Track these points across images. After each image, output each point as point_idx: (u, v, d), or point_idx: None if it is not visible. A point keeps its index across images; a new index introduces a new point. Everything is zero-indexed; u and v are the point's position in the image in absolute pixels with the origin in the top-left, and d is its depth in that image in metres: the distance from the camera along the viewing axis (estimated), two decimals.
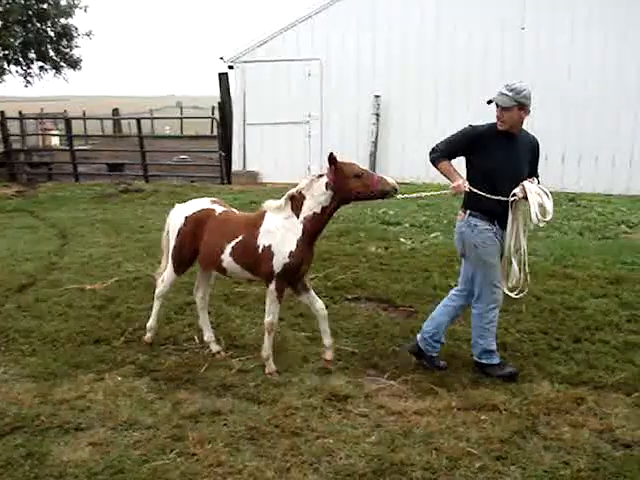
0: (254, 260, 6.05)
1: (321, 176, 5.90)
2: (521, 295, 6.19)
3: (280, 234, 5.95)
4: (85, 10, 29.65)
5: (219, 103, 19.70)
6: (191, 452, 4.87)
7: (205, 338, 6.74)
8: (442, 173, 6.07)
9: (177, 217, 6.57)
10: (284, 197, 5.98)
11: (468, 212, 6.09)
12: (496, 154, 5.88)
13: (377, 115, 17.25)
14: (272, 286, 6.04)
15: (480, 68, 16.68)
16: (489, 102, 5.93)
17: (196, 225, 6.37)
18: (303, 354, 6.54)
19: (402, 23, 17.25)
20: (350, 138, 17.53)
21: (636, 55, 15.88)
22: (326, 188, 5.83)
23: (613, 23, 15.97)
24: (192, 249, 6.44)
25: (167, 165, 23.38)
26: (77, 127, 33.23)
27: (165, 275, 6.78)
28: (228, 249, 6.15)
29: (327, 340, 6.23)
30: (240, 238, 6.11)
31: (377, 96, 17.23)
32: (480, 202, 5.94)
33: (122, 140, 31.64)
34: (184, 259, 6.58)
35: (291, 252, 5.92)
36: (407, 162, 16.68)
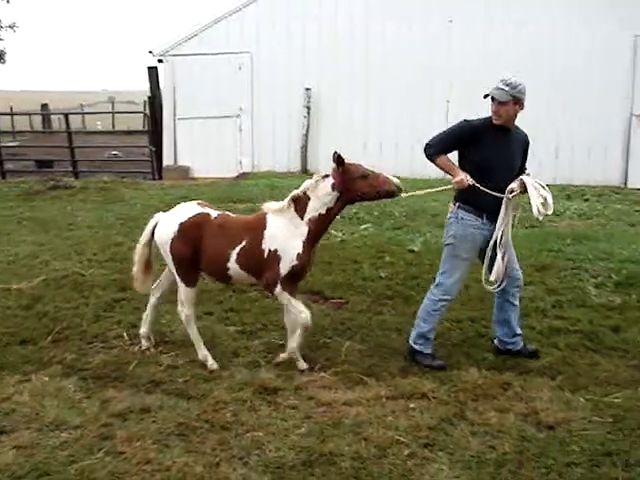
0: (260, 265, 5.89)
1: (327, 176, 5.84)
2: (499, 288, 6.28)
3: (285, 237, 5.83)
4: (7, 1, 28.95)
5: (149, 97, 19.48)
6: (119, 451, 4.80)
7: (140, 331, 6.57)
8: (441, 168, 6.16)
9: (167, 227, 6.12)
10: (287, 199, 5.88)
11: (458, 204, 6.18)
12: (492, 148, 5.99)
13: (308, 108, 17.27)
14: (277, 290, 5.90)
15: (408, 60, 16.82)
16: (485, 96, 6.02)
17: (193, 232, 5.99)
18: (233, 348, 6.52)
19: (332, 16, 17.30)
20: (281, 131, 17.53)
21: (546, 43, 16.21)
22: (332, 189, 5.78)
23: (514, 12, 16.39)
24: (191, 258, 6.03)
25: (98, 161, 22.99)
26: (4, 123, 32.47)
27: (181, 295, 6.20)
28: (233, 256, 5.91)
29: (292, 344, 6.14)
30: (244, 243, 5.90)
31: (308, 89, 17.25)
32: (471, 196, 6.02)
33: (52, 136, 31.02)
34: (189, 269, 6.11)
35: (298, 255, 5.83)
36: None
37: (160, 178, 18.74)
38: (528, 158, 6.36)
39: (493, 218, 6.09)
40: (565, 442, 5.00)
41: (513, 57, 16.18)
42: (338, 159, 5.69)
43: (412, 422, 5.19)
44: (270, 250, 5.82)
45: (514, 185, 5.98)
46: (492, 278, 6.21)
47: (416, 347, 6.30)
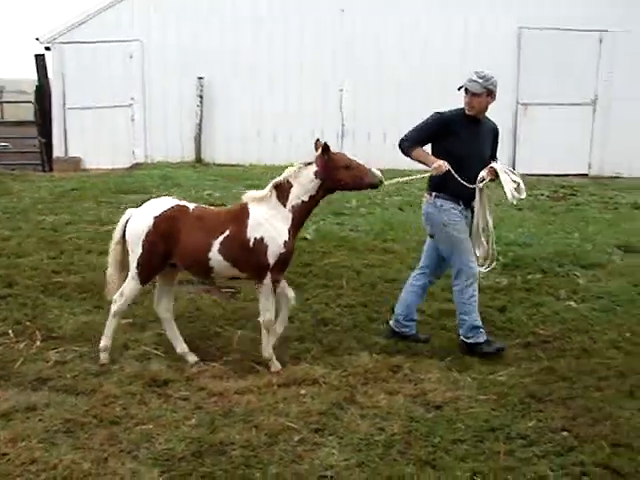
0: (245, 255, 5.76)
1: (310, 164, 5.80)
2: (490, 268, 6.60)
3: (271, 225, 5.75)
4: None
5: (37, 87, 18.87)
6: (2, 452, 4.64)
7: (178, 350, 6.13)
8: (417, 160, 6.25)
9: (140, 221, 5.86)
10: (268, 186, 5.82)
11: (434, 194, 6.29)
12: (465, 138, 6.19)
13: (201, 97, 17.07)
14: (267, 280, 5.80)
15: (298, 50, 16.83)
16: (459, 88, 6.22)
17: (169, 225, 5.77)
18: (123, 341, 6.39)
19: (221, 4, 17.13)
20: (174, 121, 17.26)
21: (433, 33, 16.56)
22: (315, 176, 5.76)
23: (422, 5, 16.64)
24: (165, 254, 5.83)
25: None
26: None
27: (125, 289, 5.95)
28: (215, 246, 5.75)
29: (281, 328, 6.12)
30: (227, 233, 5.76)
31: (200, 78, 17.05)
32: (446, 184, 6.16)
33: None
34: (155, 266, 5.90)
35: (285, 242, 5.77)
36: (233, 144, 16.63)
37: (51, 170, 18.20)
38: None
39: (469, 204, 6.31)
40: (452, 420, 5.15)
41: (404, 45, 16.44)
42: (324, 147, 5.70)
43: (303, 408, 5.23)
44: (256, 239, 5.74)
45: (483, 173, 6.17)
46: (481, 259, 6.48)
47: (470, 341, 6.34)
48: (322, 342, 6.40)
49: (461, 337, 6.43)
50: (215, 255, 5.75)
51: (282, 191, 5.82)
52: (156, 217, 5.80)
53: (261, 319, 5.89)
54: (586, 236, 10.45)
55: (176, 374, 5.76)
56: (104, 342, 6.03)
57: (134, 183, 13.54)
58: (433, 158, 6.17)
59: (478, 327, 6.36)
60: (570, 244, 9.78)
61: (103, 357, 6.01)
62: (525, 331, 6.92)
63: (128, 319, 6.85)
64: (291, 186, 5.80)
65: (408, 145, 6.23)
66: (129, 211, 6.09)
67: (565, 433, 5.06)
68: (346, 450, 4.74)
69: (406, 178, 6.83)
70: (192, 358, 6.07)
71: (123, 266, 6.06)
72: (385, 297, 7.59)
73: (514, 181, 6.21)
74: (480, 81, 6.11)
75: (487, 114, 6.40)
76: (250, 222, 5.76)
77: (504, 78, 16.33)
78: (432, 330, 6.79)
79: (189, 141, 16.90)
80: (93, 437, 4.83)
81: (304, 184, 5.79)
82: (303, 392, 5.49)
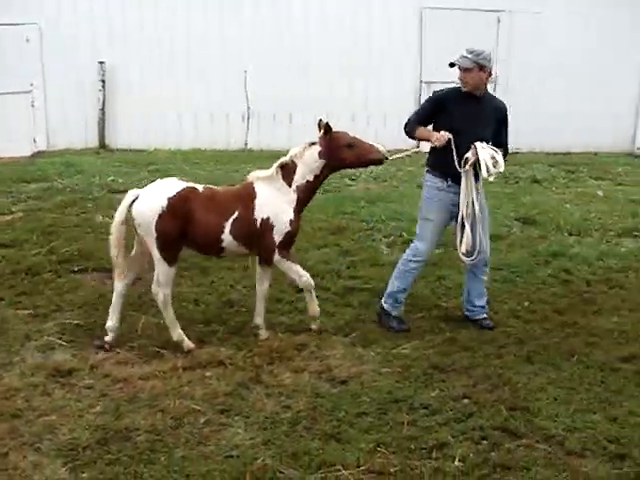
0: (254, 235, 5.88)
1: (313, 144, 5.90)
2: (477, 258, 6.43)
3: (277, 204, 5.87)
4: None
5: None
6: None
7: (108, 324, 6.01)
8: (421, 139, 6.47)
9: (152, 202, 5.71)
10: (274, 166, 5.93)
11: (427, 169, 6.44)
12: (458, 114, 6.19)
13: (103, 82, 16.68)
14: (277, 257, 5.96)
15: (201, 33, 16.54)
16: (451, 65, 6.22)
17: (184, 206, 5.71)
18: (25, 332, 6.23)
19: None
20: (76, 107, 16.76)
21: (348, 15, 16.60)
22: (319, 156, 5.87)
23: None
24: (178, 234, 5.75)
25: None
26: None
27: (160, 277, 5.84)
28: (227, 227, 5.81)
29: (260, 319, 6.25)
30: (236, 214, 5.83)
31: (102, 62, 16.65)
32: (435, 160, 6.29)
33: None
34: (176, 246, 5.84)
35: (290, 221, 5.91)
36: (136, 129, 16.31)
37: None
38: None
39: (458, 181, 6.26)
40: (357, 394, 5.25)
41: (309, 28, 16.38)
42: (326, 127, 5.79)
43: (208, 390, 5.24)
44: (263, 219, 5.85)
45: (468, 154, 6.11)
46: (462, 249, 6.39)
47: (385, 306, 6.54)
48: (228, 324, 6.40)
49: (381, 300, 6.63)
50: (227, 236, 5.85)
51: (287, 171, 5.94)
52: (170, 198, 5.71)
53: (299, 284, 6.20)
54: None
55: (80, 363, 5.67)
56: (175, 333, 5.96)
57: (36, 171, 13.15)
58: (432, 132, 6.25)
59: (398, 301, 6.57)
60: None
61: (187, 345, 5.94)
62: (428, 304, 7.09)
63: (29, 310, 6.70)
64: (296, 166, 5.92)
65: (409, 129, 6.37)
66: (133, 192, 5.93)
67: (466, 400, 5.23)
68: (252, 429, 4.77)
69: (411, 151, 7.06)
70: (110, 337, 5.98)
71: (127, 247, 5.97)
72: None
73: (492, 157, 6.16)
74: (470, 56, 6.12)
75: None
76: (257, 202, 5.87)
77: (408, 58, 16.80)
78: (337, 307, 6.88)
79: (92, 127, 16.51)
80: None
81: (308, 164, 5.90)
82: (209, 374, 5.50)
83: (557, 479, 4.35)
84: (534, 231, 9.81)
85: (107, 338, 5.96)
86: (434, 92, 6.57)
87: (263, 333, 6.21)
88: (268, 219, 5.86)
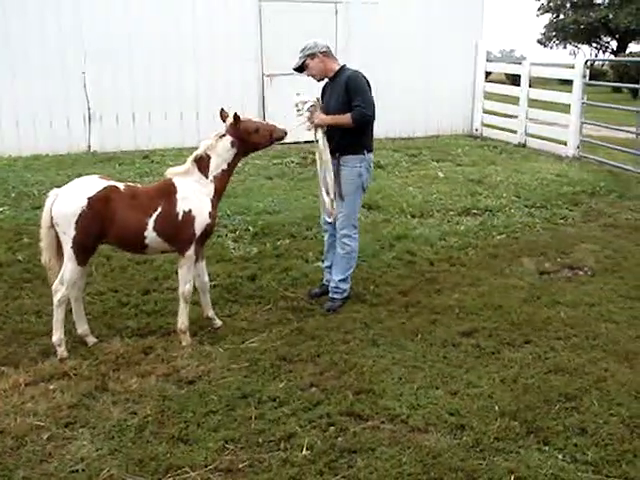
0: (176, 229, 5.88)
1: (224, 135, 6.03)
2: (332, 220, 6.96)
3: (196, 197, 5.94)
4: None
5: None
6: None
7: (79, 331, 6.07)
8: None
9: (72, 202, 5.61)
10: (189, 160, 6.00)
11: None
12: (325, 99, 6.88)
13: None
14: (189, 252, 5.99)
15: (37, 34, 15.85)
16: (296, 70, 6.89)
17: (104, 205, 5.63)
18: None
19: None
20: None
21: (188, 11, 16.36)
22: (232, 146, 6.03)
23: None
24: (100, 234, 5.71)
25: None
26: None
27: (65, 274, 5.74)
28: (150, 224, 5.79)
29: (211, 311, 6.44)
30: (159, 210, 5.83)
31: None
32: None
33: None
34: (92, 246, 5.82)
35: (210, 213, 6.00)
36: None
37: None
38: None
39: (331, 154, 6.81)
40: (205, 393, 5.24)
41: (152, 26, 15.99)
42: (235, 117, 5.96)
43: (52, 404, 5.08)
44: (185, 211, 5.88)
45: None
46: (323, 214, 7.15)
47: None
48: (72, 333, 6.22)
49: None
50: (150, 233, 5.84)
51: (202, 163, 6.02)
52: (90, 198, 5.64)
53: (180, 290, 6.10)
54: None
55: None
56: (56, 336, 5.83)
57: None
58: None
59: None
60: (317, 207, 10.12)
61: (61, 351, 5.83)
62: (275, 296, 7.14)
63: None
64: (209, 157, 6.02)
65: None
66: (54, 192, 5.80)
67: (313, 389, 5.33)
68: (98, 440, 4.68)
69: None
70: (91, 339, 6.11)
71: (59, 251, 5.83)
72: (136, 280, 7.53)
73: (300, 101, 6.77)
74: (300, 55, 6.76)
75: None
76: (178, 196, 5.91)
77: (249, 50, 16.76)
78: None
79: None
80: None
81: (221, 154, 6.04)
82: (52, 387, 5.33)
83: (402, 456, 4.50)
84: (379, 215, 10.08)
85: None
86: None
87: (218, 322, 6.42)
88: (190, 211, 5.91)
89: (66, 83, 15.55)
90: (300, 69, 6.84)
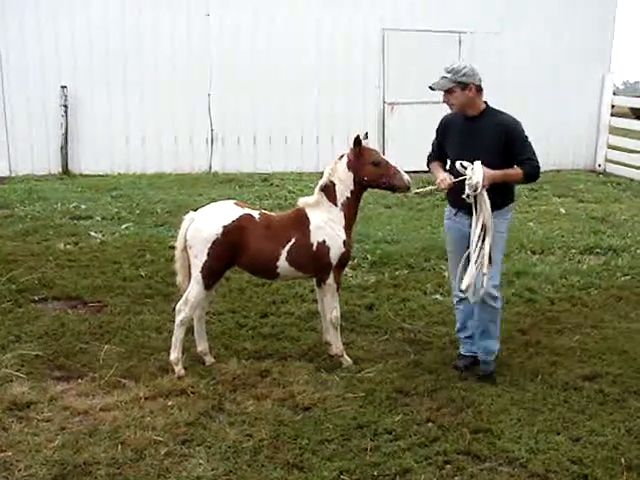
0: (310, 259, 5.94)
1: (342, 156, 5.97)
2: (473, 300, 5.81)
3: (329, 227, 5.93)
4: None
5: None
6: None
7: (199, 349, 6.20)
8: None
9: (207, 228, 5.76)
10: (317, 189, 6.01)
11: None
12: (455, 139, 5.87)
13: (65, 107, 16.55)
14: (330, 280, 6.02)
15: (166, 54, 16.51)
16: (431, 88, 5.80)
17: (238, 234, 5.77)
18: None
19: (85, 7, 16.58)
20: (39, 132, 16.55)
21: (288, 36, 16.62)
22: (348, 168, 5.90)
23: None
24: (231, 261, 5.91)
25: None
26: None
27: (190, 295, 5.88)
28: (283, 255, 5.89)
29: (328, 336, 6.30)
30: (293, 240, 5.90)
31: (63, 87, 16.53)
32: (449, 190, 5.84)
33: None
34: (221, 272, 6.00)
35: (344, 241, 5.97)
36: (100, 154, 16.16)
37: None
38: None
39: (469, 213, 5.71)
40: (320, 421, 5.20)
41: (273, 48, 16.38)
42: (355, 140, 5.81)
43: (170, 420, 5.16)
44: (318, 242, 5.91)
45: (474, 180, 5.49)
46: (463, 285, 5.66)
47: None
48: (191, 351, 6.31)
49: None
50: (283, 262, 5.93)
51: (329, 192, 5.98)
52: (225, 226, 5.76)
53: (328, 317, 6.14)
54: None
55: (39, 395, 5.54)
56: (174, 354, 5.96)
57: None
58: (439, 172, 5.92)
59: (460, 338, 6.40)
60: (436, 239, 9.97)
61: (178, 370, 5.92)
62: (393, 327, 7.07)
63: None
64: (334, 185, 5.96)
65: (428, 161, 6.19)
66: (190, 215, 5.99)
67: (430, 424, 5.21)
68: (214, 459, 4.71)
69: (430, 187, 6.35)
70: (209, 359, 6.18)
71: (189, 273, 6.01)
72: (254, 302, 7.60)
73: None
74: (448, 76, 5.61)
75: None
76: (311, 227, 5.93)
77: (370, 78, 16.90)
78: (300, 332, 6.84)
79: (55, 152, 16.36)
80: None
81: (343, 179, 5.94)
82: (170, 404, 5.41)
83: None
84: None
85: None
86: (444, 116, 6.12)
87: (334, 349, 6.24)
88: (324, 242, 5.92)
89: (193, 103, 16.06)
90: (432, 88, 5.79)
